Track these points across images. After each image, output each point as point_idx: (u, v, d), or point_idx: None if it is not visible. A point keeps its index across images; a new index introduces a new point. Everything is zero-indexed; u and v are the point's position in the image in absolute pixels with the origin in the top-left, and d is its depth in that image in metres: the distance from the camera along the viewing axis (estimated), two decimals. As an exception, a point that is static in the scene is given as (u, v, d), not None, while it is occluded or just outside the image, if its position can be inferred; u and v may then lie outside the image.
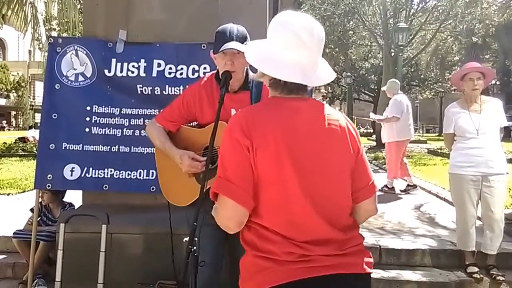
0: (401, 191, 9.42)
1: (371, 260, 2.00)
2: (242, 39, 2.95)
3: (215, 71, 3.14)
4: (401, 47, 18.32)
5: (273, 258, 1.85)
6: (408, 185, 9.48)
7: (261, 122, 1.87)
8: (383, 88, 10.28)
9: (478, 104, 4.95)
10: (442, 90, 39.31)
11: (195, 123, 3.25)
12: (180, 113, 3.19)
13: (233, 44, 2.90)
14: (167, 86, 4.34)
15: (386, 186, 9.43)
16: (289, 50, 1.91)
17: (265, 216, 1.88)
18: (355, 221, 2.03)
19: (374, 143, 24.15)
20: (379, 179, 12.24)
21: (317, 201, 1.88)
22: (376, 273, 4.91)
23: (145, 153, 4.31)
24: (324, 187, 1.91)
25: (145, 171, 4.35)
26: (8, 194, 9.20)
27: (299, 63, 1.92)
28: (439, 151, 18.23)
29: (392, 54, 22.27)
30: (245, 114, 1.93)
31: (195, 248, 2.66)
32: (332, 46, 29.98)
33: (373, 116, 11.20)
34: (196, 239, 2.66)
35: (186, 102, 3.17)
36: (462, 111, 4.97)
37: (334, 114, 1.99)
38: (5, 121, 53.97)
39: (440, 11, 22.73)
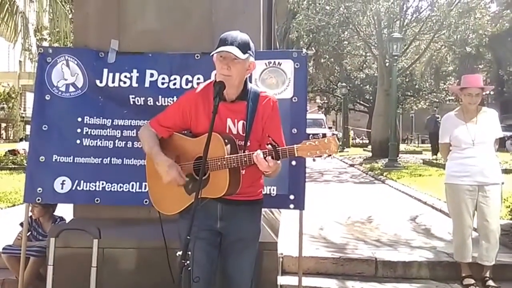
0: None
1: None
2: (243, 46, 2.89)
3: (213, 79, 3.08)
4: (396, 57, 18.36)
5: None
6: None
7: None
8: None
9: (474, 115, 4.98)
10: (437, 100, 39.40)
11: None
12: (174, 121, 3.12)
13: (229, 48, 2.84)
14: (160, 96, 4.25)
15: None
16: None
17: None
18: None
19: (370, 154, 24.13)
20: (376, 190, 12.26)
21: None
22: (372, 287, 4.87)
23: (138, 165, 4.21)
24: None
25: (138, 183, 4.25)
26: (-3, 208, 9.05)
27: None
28: (434, 161, 18.21)
29: (387, 64, 22.28)
30: None
31: (188, 262, 2.59)
32: (327, 56, 30.06)
33: None
34: (189, 253, 2.59)
35: (181, 109, 3.10)
36: (459, 121, 5.00)
37: None
38: (-5, 134, 52.66)
39: (434, 21, 22.73)
